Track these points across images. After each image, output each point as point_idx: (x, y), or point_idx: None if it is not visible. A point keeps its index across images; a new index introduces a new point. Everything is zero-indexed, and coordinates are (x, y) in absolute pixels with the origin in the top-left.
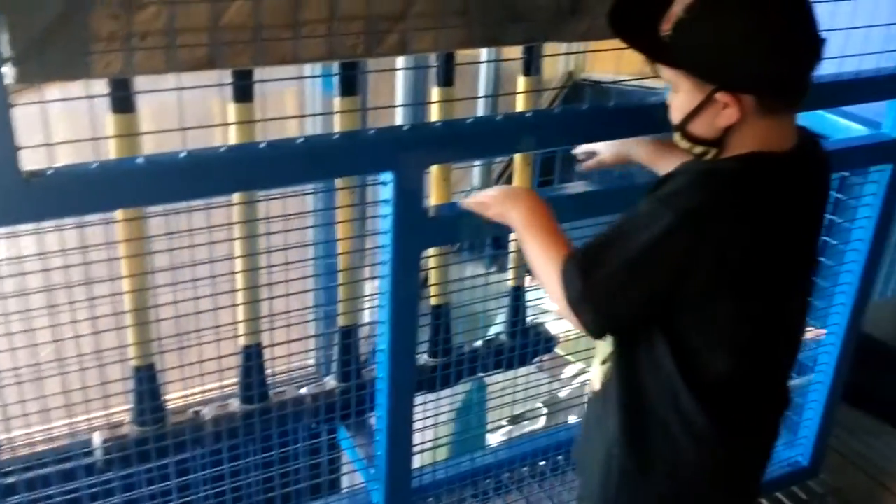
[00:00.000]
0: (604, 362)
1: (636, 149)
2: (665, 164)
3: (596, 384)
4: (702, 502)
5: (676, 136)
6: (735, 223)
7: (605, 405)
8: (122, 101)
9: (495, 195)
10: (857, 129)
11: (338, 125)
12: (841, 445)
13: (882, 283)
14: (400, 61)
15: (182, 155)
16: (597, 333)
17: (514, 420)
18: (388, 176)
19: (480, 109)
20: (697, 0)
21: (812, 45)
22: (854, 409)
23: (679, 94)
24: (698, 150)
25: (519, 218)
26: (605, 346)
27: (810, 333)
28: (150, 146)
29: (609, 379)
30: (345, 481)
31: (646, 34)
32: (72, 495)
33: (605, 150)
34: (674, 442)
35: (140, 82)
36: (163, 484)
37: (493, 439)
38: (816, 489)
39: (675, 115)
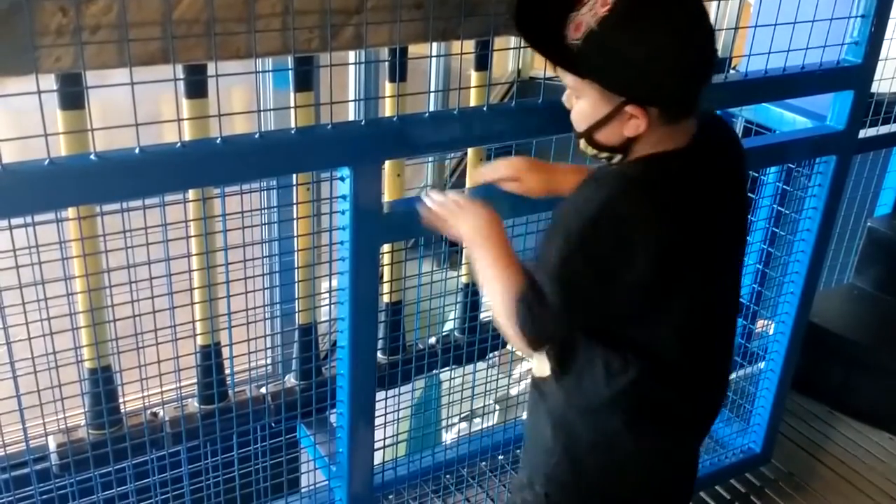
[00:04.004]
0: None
1: (562, 184)
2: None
3: (536, 371)
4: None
5: (581, 143)
6: (657, 223)
7: (542, 396)
8: (72, 97)
9: (451, 209)
10: (802, 122)
11: (293, 121)
12: (791, 432)
13: (826, 274)
14: (352, 56)
15: (136, 151)
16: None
17: (469, 416)
18: (345, 171)
19: (431, 105)
20: (612, 14)
21: (710, 60)
22: (803, 397)
23: (583, 102)
24: (604, 155)
25: (471, 236)
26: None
27: (759, 324)
28: (100, 144)
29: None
30: (304, 480)
31: (552, 39)
32: (26, 503)
33: (532, 182)
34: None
35: (89, 78)
36: (120, 488)
37: (448, 436)
38: (769, 475)
39: (580, 123)
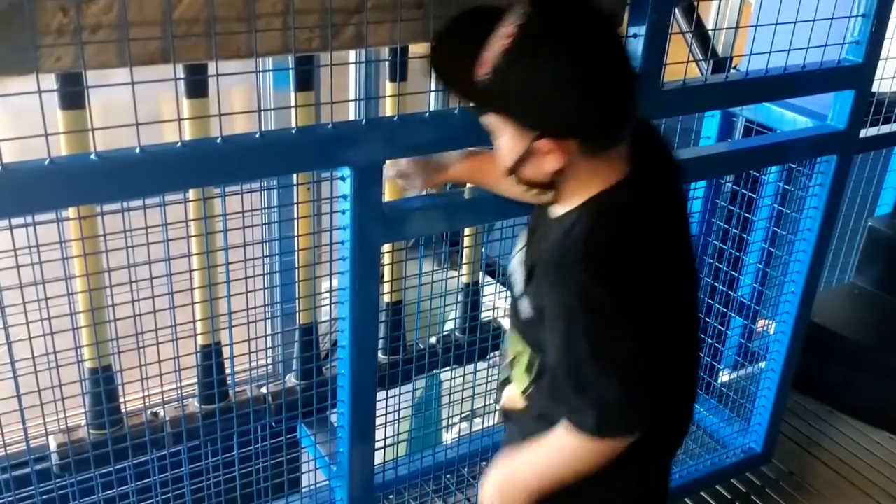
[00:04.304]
0: (525, 391)
1: (455, 170)
2: (489, 179)
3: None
4: None
5: (510, 180)
6: (634, 262)
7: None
8: (72, 96)
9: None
10: (802, 122)
11: (294, 120)
12: (792, 431)
13: (827, 273)
14: (352, 55)
15: (137, 151)
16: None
17: (469, 416)
18: (346, 171)
19: (432, 105)
20: (512, 46)
21: (627, 83)
22: (803, 396)
23: (502, 140)
24: (534, 192)
25: (523, 489)
26: (521, 375)
27: (760, 323)
28: (100, 144)
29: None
30: (304, 480)
31: (463, 78)
32: (27, 503)
33: (419, 175)
34: None
35: (89, 77)
36: (121, 488)
37: (449, 436)
38: (770, 475)
39: (503, 161)
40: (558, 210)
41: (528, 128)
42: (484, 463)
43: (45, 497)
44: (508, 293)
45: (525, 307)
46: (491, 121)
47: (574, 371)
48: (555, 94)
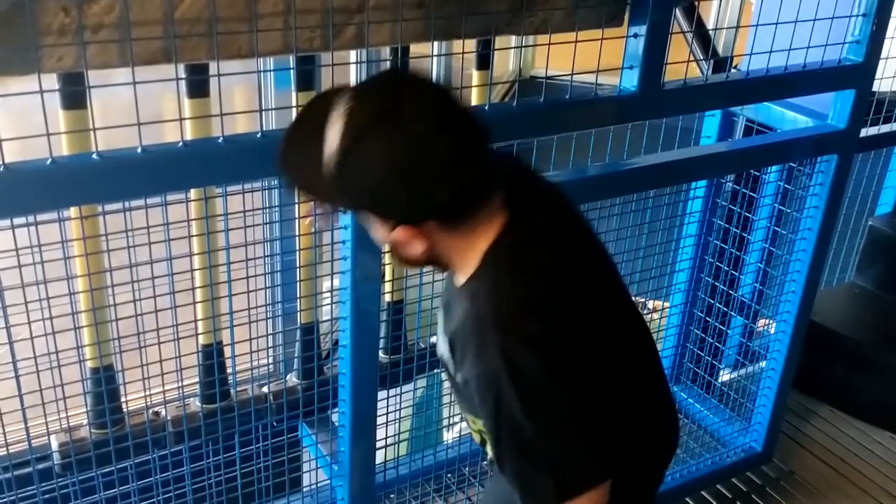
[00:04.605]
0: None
1: None
2: None
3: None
4: None
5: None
6: (533, 308)
7: None
8: (74, 96)
9: None
10: (803, 121)
11: None
12: (793, 431)
13: (827, 273)
14: (353, 55)
15: (138, 151)
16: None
17: None
18: None
19: None
20: (340, 143)
21: (467, 154)
22: (804, 396)
23: (372, 230)
24: (426, 268)
25: None
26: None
27: (760, 323)
28: (100, 144)
29: None
30: (305, 479)
31: (312, 182)
32: (28, 502)
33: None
34: None
35: (90, 77)
36: (122, 487)
37: (449, 435)
38: (770, 474)
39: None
40: (460, 278)
41: (382, 220)
42: (485, 462)
43: (46, 496)
44: (446, 375)
45: (461, 382)
46: (358, 215)
47: (515, 439)
48: (389, 186)
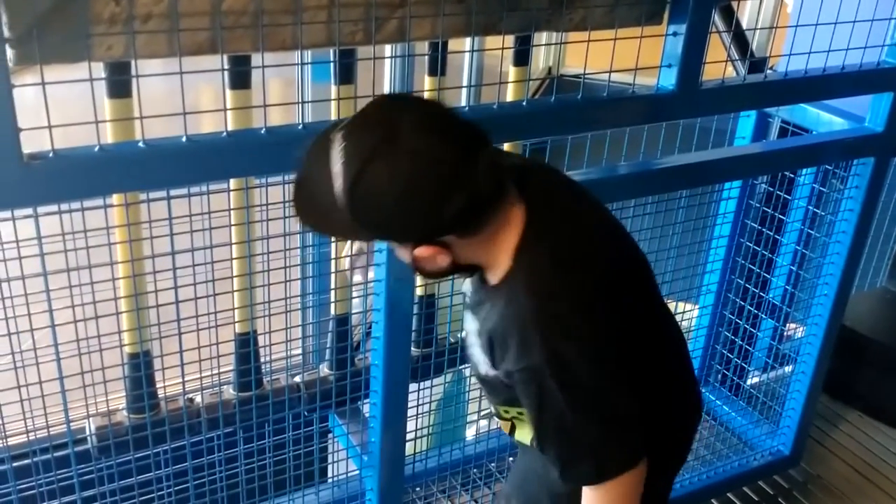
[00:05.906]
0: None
1: None
2: None
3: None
4: None
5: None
6: (571, 298)
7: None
8: (119, 85)
9: None
10: (840, 123)
11: (333, 113)
12: (821, 435)
13: (860, 277)
14: (387, 50)
15: (183, 140)
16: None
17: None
18: None
19: (463, 100)
20: (347, 180)
21: (468, 164)
22: (833, 400)
23: (395, 252)
24: (454, 277)
25: None
26: (523, 435)
27: (790, 326)
28: (138, 134)
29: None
30: (333, 469)
31: (330, 222)
32: (65, 483)
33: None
34: None
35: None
36: (157, 472)
37: (475, 431)
38: (797, 478)
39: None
40: (492, 279)
41: (402, 243)
42: (511, 458)
43: (83, 479)
44: (475, 375)
45: (494, 380)
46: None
47: (557, 427)
48: (400, 213)
